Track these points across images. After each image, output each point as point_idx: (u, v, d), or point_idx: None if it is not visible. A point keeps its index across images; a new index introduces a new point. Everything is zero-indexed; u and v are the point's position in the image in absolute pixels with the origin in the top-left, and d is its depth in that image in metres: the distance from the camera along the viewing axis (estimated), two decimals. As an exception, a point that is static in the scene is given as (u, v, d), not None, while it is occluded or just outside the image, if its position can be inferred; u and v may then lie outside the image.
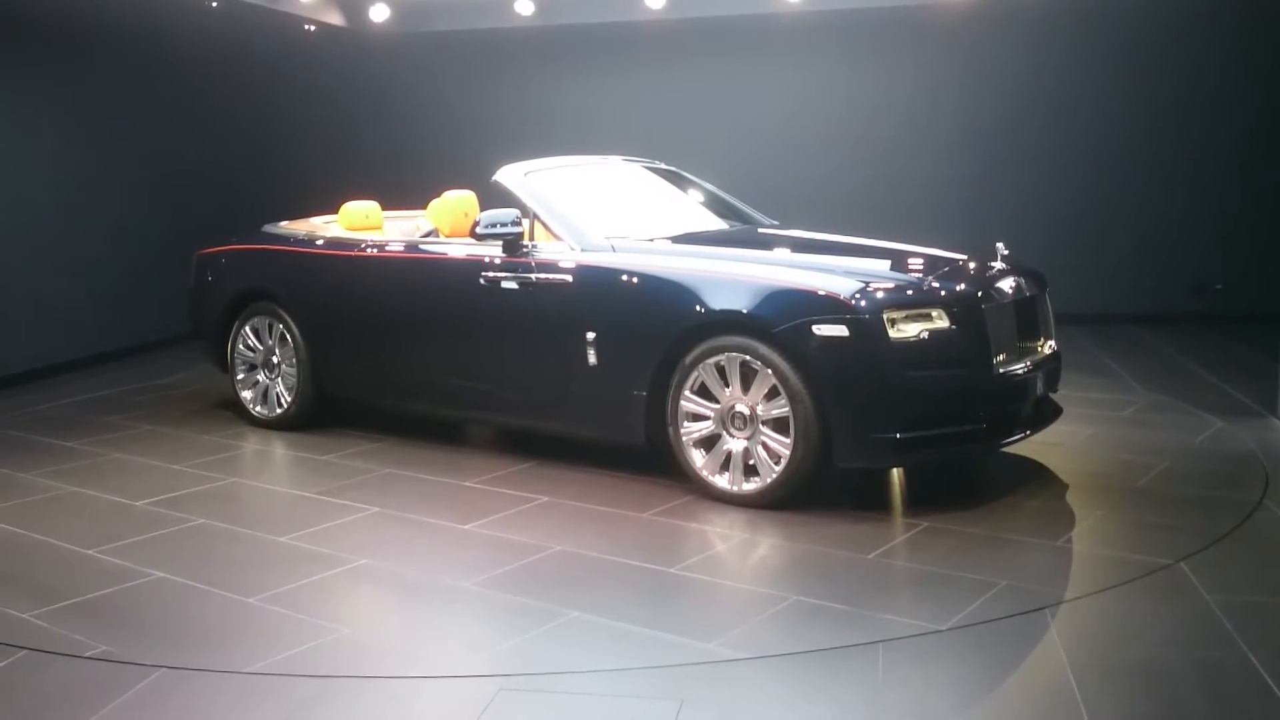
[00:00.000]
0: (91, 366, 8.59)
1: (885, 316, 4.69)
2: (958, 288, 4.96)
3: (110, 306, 8.93)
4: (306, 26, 9.64)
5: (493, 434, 6.39)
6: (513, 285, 5.60)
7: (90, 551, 4.60)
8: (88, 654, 3.64)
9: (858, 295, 4.74)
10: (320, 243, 6.62)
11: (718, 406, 4.99)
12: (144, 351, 9.12)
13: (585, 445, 5.65)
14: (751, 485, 4.92)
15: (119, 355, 8.92)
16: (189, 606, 4.05)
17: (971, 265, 5.30)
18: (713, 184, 6.77)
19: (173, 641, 3.75)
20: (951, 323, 4.78)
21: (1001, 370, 4.91)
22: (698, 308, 5.02)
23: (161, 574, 4.33)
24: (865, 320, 4.68)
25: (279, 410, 6.61)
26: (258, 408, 6.71)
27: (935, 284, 4.96)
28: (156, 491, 5.40)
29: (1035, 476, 5.34)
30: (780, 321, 4.79)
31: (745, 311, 4.88)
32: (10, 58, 8.01)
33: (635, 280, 5.24)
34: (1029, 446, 5.45)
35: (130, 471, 5.80)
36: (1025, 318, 5.23)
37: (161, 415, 7.04)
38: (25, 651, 3.67)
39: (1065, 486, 5.20)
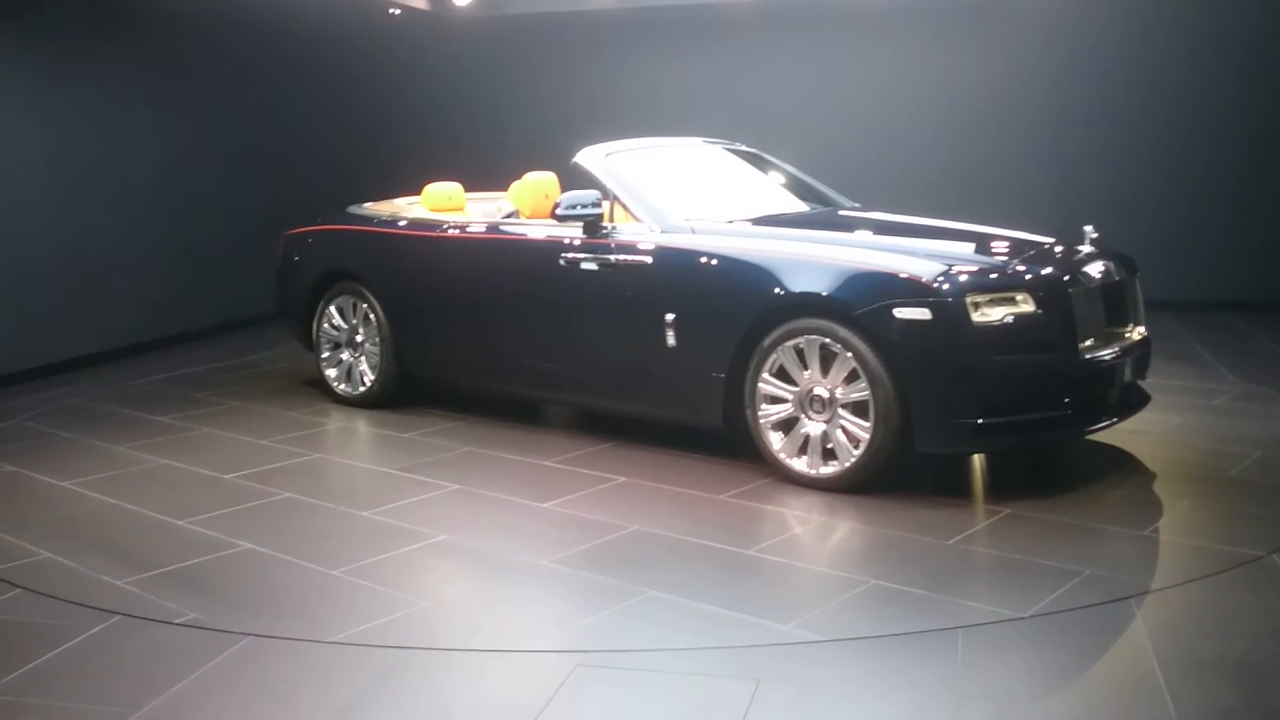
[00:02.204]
0: (182, 344, 8.82)
1: (968, 300, 4.62)
2: (1044, 271, 4.87)
3: (201, 286, 9.15)
4: (391, 10, 9.75)
5: (570, 414, 6.43)
6: (592, 266, 5.62)
7: (181, 522, 4.73)
8: (178, 621, 3.75)
9: (940, 278, 4.67)
10: (403, 223, 6.70)
11: (796, 389, 4.96)
12: (232, 330, 9.34)
13: (662, 426, 5.66)
14: (830, 469, 4.89)
15: (209, 333, 9.15)
16: (274, 577, 4.15)
17: (1059, 248, 5.20)
18: (793, 166, 6.72)
19: (259, 610, 3.84)
20: (1037, 306, 4.69)
21: (1088, 356, 4.82)
22: (777, 290, 4.99)
23: (248, 545, 4.44)
24: (948, 303, 4.61)
25: (362, 388, 6.72)
26: (341, 385, 6.83)
27: (1020, 267, 4.88)
28: (244, 466, 5.53)
29: (1121, 465, 5.23)
30: (861, 304, 4.75)
31: (825, 294, 4.84)
32: (109, 43, 8.23)
33: (715, 262, 5.23)
34: (1115, 434, 5.33)
35: (219, 446, 5.94)
36: (1114, 302, 5.12)
37: (249, 392, 7.20)
38: (119, 617, 3.79)
39: (1152, 475, 5.08)
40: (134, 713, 3.14)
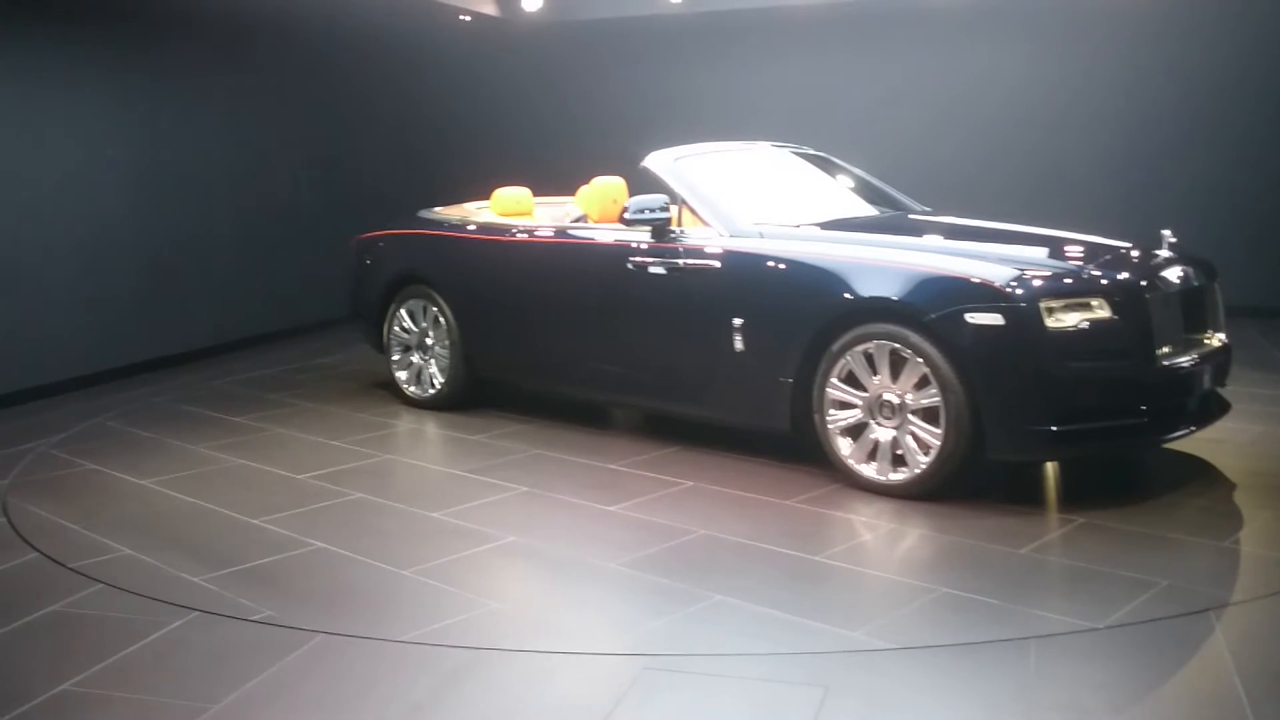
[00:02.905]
0: (257, 346, 8.99)
1: (1042, 305, 4.55)
2: (1120, 276, 4.79)
3: (275, 289, 9.32)
4: (462, 17, 9.86)
5: (637, 417, 6.44)
6: (660, 270, 5.63)
7: (256, 521, 4.82)
8: (253, 618, 3.82)
9: (1013, 283, 4.61)
10: (472, 228, 6.77)
11: (866, 395, 4.92)
12: (306, 333, 9.49)
13: (729, 431, 5.65)
14: (899, 475, 4.85)
15: (283, 336, 9.32)
16: (347, 576, 4.21)
17: (1135, 253, 5.11)
18: (863, 169, 6.68)
19: (332, 609, 3.90)
20: (1113, 312, 4.61)
21: (1166, 363, 4.72)
22: (846, 294, 4.96)
23: (321, 544, 4.51)
24: (1021, 309, 4.55)
25: (431, 390, 6.79)
26: (411, 388, 6.91)
27: (1096, 272, 4.80)
28: (317, 466, 5.61)
29: (1200, 474, 5.12)
30: (932, 309, 4.70)
31: (895, 299, 4.81)
32: (185, 51, 8.42)
33: (783, 266, 5.21)
34: (1194, 443, 5.22)
35: (292, 446, 6.04)
36: (1192, 308, 5.02)
37: (321, 394, 7.32)
38: (197, 613, 3.87)
39: (1232, 485, 4.97)
40: (211, 707, 3.20)
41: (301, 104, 9.62)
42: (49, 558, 4.43)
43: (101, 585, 4.14)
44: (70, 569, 4.30)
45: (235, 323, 8.95)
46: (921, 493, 4.79)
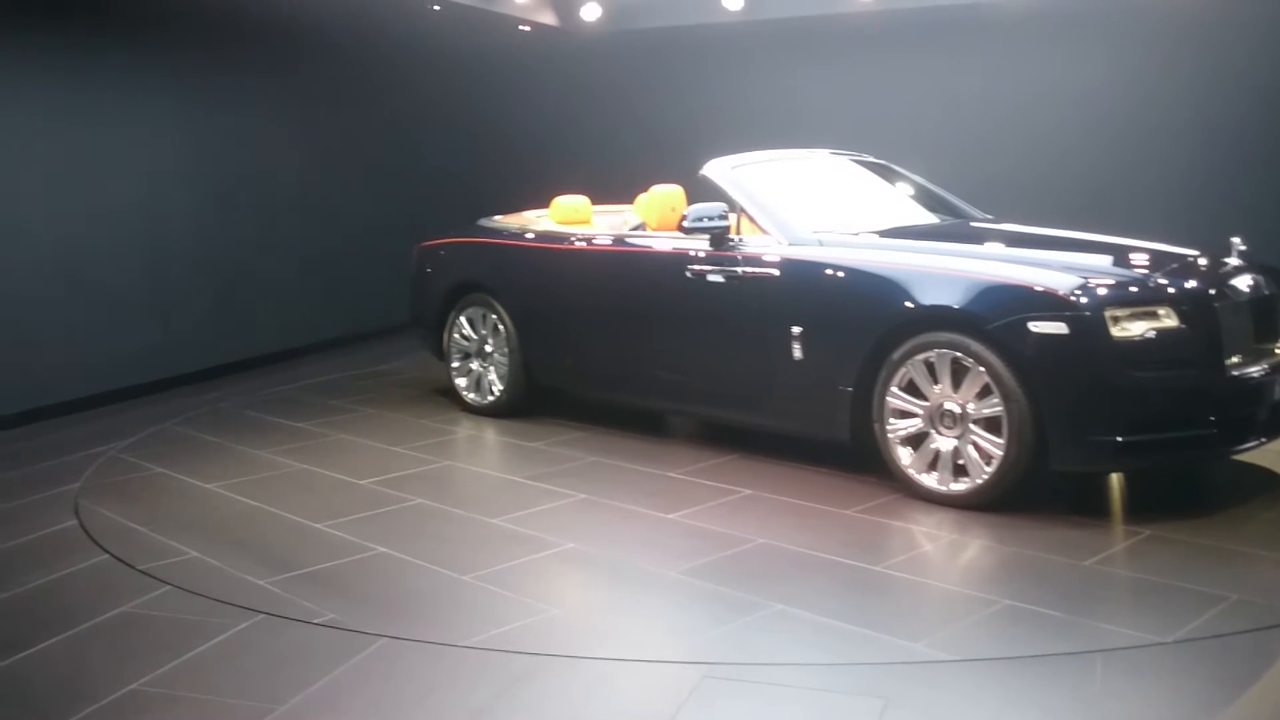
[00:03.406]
0: (319, 352, 9.11)
1: (1107, 314, 4.49)
2: (1187, 284, 4.71)
3: (337, 297, 9.45)
4: (522, 27, 9.93)
5: (695, 425, 6.44)
6: (718, 279, 5.63)
7: (319, 525, 4.88)
8: (317, 621, 3.87)
9: (1077, 291, 4.55)
10: (531, 236, 6.81)
11: (926, 404, 4.88)
12: (367, 339, 9.61)
13: (787, 439, 5.63)
14: (960, 485, 4.80)
15: (344, 342, 9.44)
16: (408, 581, 4.25)
17: (1203, 261, 5.02)
18: (923, 177, 6.63)
19: (394, 613, 3.95)
20: (1180, 321, 4.54)
21: (1235, 372, 4.63)
22: (907, 303, 4.92)
23: (383, 549, 4.56)
24: (1085, 317, 4.49)
25: (490, 398, 6.84)
26: (471, 395, 6.96)
27: (1162, 280, 4.72)
28: (377, 471, 5.68)
29: (1270, 486, 5.02)
30: (994, 318, 4.66)
31: (957, 307, 4.76)
32: (246, 62, 8.57)
33: (843, 274, 5.19)
34: (1265, 454, 5.10)
35: (354, 452, 6.12)
36: (1263, 317, 4.91)
37: (382, 400, 7.40)
38: (262, 616, 3.93)
39: (1305, 498, 4.87)
40: (277, 708, 3.25)
41: (363, 113, 9.75)
42: (119, 559, 4.53)
43: (169, 587, 4.22)
44: (139, 571, 4.39)
45: (298, 329, 9.08)
46: (983, 503, 4.74)
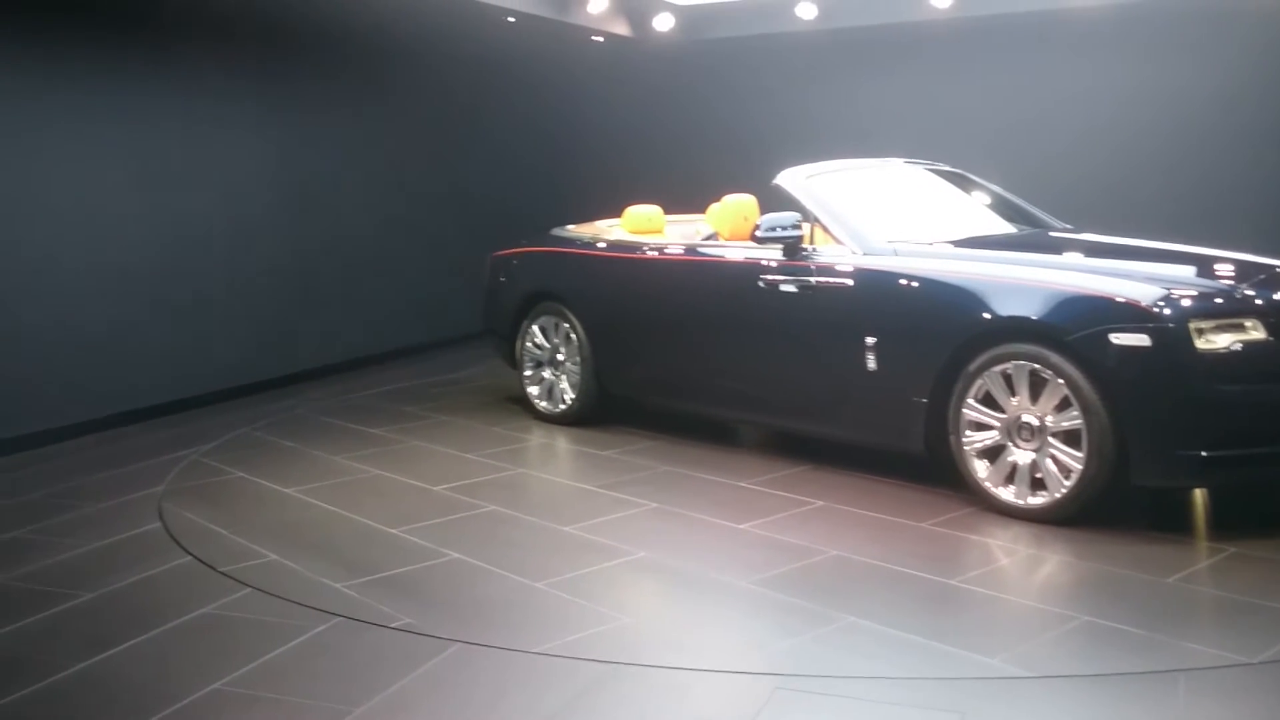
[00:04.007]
0: (394, 360, 9.24)
1: (1191, 325, 4.40)
2: (1275, 296, 4.59)
3: (411, 305, 9.59)
4: (595, 38, 10.00)
5: (766, 436, 6.42)
6: (791, 288, 5.61)
7: (394, 531, 4.95)
8: (393, 625, 3.92)
9: (1160, 303, 4.47)
10: (603, 245, 6.85)
11: (1003, 416, 4.82)
12: (441, 347, 9.73)
13: (860, 450, 5.59)
14: (1038, 499, 4.73)
15: (418, 350, 9.56)
16: (481, 587, 4.29)
17: (1292, 272, 4.89)
18: (999, 186, 6.55)
19: (467, 618, 3.98)
20: (1268, 334, 4.43)
21: (1325, 387, 4.51)
22: (984, 314, 4.87)
23: (457, 555, 4.61)
24: (1169, 329, 4.41)
25: (562, 406, 6.88)
26: (543, 403, 7.01)
27: (1249, 291, 4.62)
28: (451, 478, 5.74)
29: (1362, 504, 4.88)
30: (1074, 329, 4.58)
31: (1035, 318, 4.70)
32: (324, 74, 8.74)
33: (918, 284, 5.14)
34: (1355, 471, 4.96)
35: (427, 458, 6.19)
36: (1355, 330, 4.77)
37: (455, 407, 7.48)
38: (339, 619, 3.99)
39: (1398, 517, 4.72)
40: (353, 710, 3.30)
41: (439, 124, 9.89)
42: (201, 561, 4.63)
43: (250, 589, 4.30)
44: (220, 573, 4.48)
45: (373, 337, 9.22)
46: (1061, 518, 4.67)
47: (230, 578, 4.42)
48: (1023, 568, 4.41)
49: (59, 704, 3.45)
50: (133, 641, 3.86)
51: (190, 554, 4.72)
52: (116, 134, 7.18)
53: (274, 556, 4.65)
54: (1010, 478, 4.82)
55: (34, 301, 6.66)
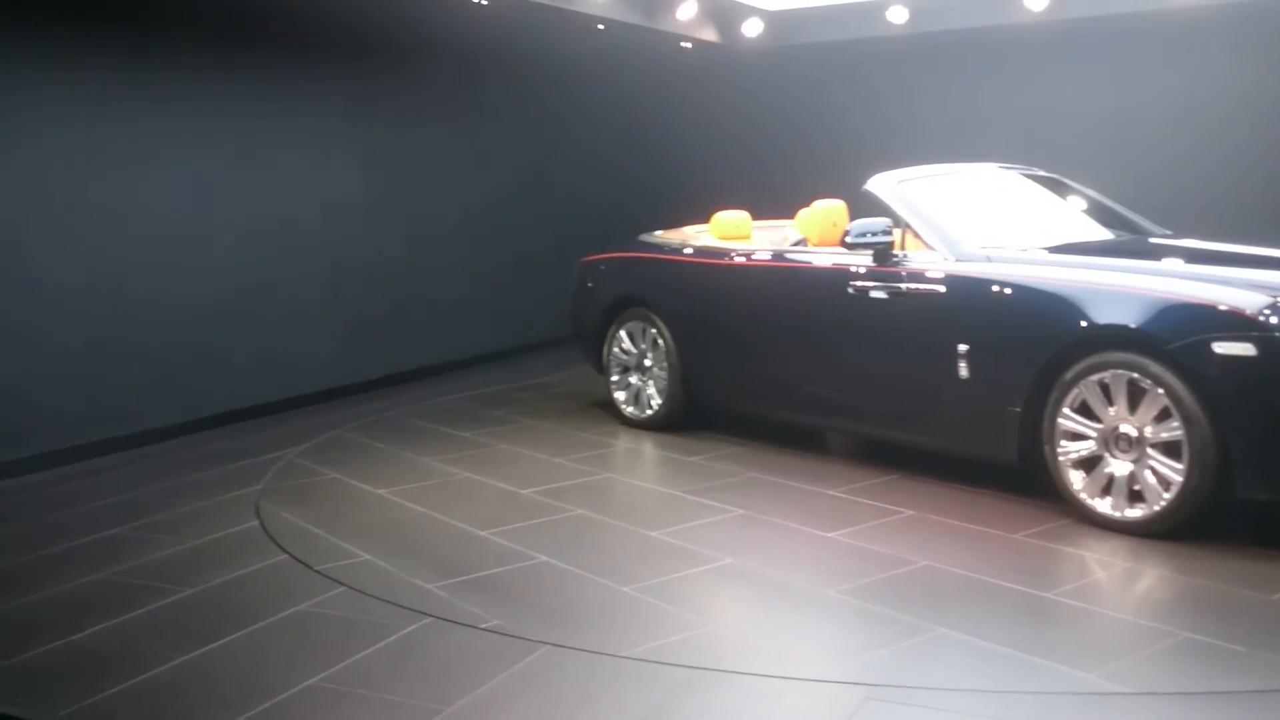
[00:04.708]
0: (483, 364, 9.35)
1: (1299, 334, 4.26)
2: (1389, 304, 4.43)
3: (500, 310, 9.69)
4: (683, 44, 10.01)
5: (854, 443, 6.36)
6: (881, 295, 5.56)
7: (483, 533, 5.00)
8: (482, 626, 3.96)
9: (1266, 311, 4.33)
10: (690, 251, 6.85)
11: (1100, 426, 4.71)
12: (529, 352, 9.82)
13: (951, 459, 5.51)
14: (1136, 512, 4.61)
15: (507, 355, 9.67)
16: (569, 590, 4.32)
17: (1407, 280, 4.71)
18: (1097, 191, 6.41)
19: (556, 621, 4.01)
20: (1381, 343, 4.27)
21: None
22: (1081, 321, 4.76)
23: (545, 558, 4.64)
24: (1275, 339, 4.27)
25: (649, 411, 6.90)
26: (629, 408, 7.04)
27: (1361, 300, 4.45)
28: (539, 481, 5.79)
29: None
30: (1175, 338, 4.46)
31: (1134, 326, 4.58)
32: (414, 86, 8.89)
33: (1012, 291, 5.05)
34: None
35: (515, 462, 6.25)
36: None
37: (542, 411, 7.54)
38: (430, 619, 4.05)
39: None
40: (445, 709, 3.34)
41: (529, 131, 9.99)
42: (297, 559, 4.73)
43: (344, 588, 4.38)
44: (316, 571, 4.57)
45: (462, 342, 9.35)
46: (1161, 531, 4.55)
47: (325, 576, 4.51)
48: (1120, 582, 4.31)
49: (160, 696, 3.55)
50: (230, 637, 3.96)
51: (286, 552, 4.83)
52: (220, 146, 7.38)
53: (366, 556, 4.73)
54: (1107, 489, 4.71)
55: (138, 306, 6.88)
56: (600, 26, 8.86)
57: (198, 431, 7.16)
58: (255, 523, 5.27)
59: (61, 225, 6.47)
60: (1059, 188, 6.35)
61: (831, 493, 5.43)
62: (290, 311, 7.88)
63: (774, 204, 7.64)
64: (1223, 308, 4.43)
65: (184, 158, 7.15)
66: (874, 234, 5.51)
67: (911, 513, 5.06)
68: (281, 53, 7.76)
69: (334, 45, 8.12)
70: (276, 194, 7.78)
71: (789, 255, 6.33)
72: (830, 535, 4.81)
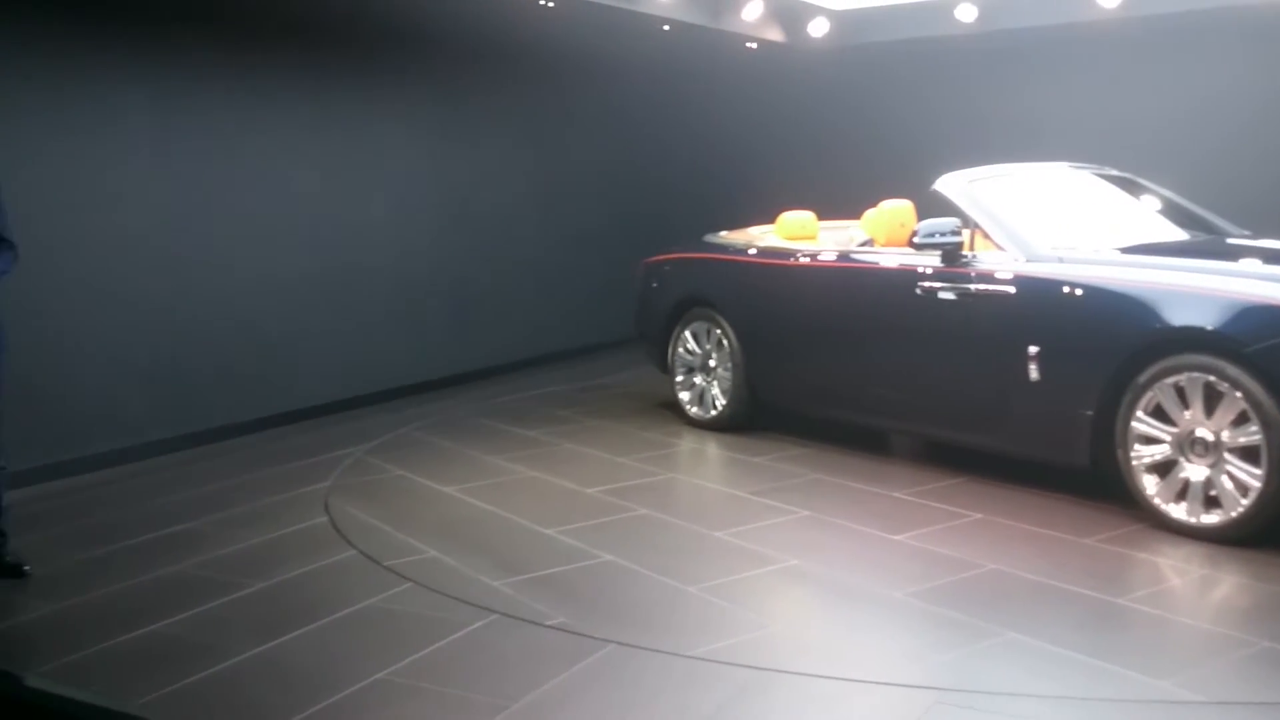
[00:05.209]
0: (548, 364, 9.40)
1: (1384, 337, 4.15)
2: None
3: (565, 311, 9.74)
4: (749, 45, 9.99)
5: (919, 446, 6.30)
6: (950, 296, 5.50)
7: (548, 531, 5.03)
8: (548, 623, 3.99)
9: (1350, 313, 4.23)
10: (755, 252, 6.83)
11: (1175, 430, 4.63)
12: (593, 352, 9.85)
13: (1019, 463, 5.44)
14: (1212, 517, 4.52)
15: (571, 355, 9.71)
16: (635, 589, 4.33)
17: None
18: (1172, 191, 6.29)
19: (621, 619, 4.02)
20: None
21: None
22: (1155, 323, 4.68)
23: (610, 556, 4.66)
24: (1359, 341, 4.17)
25: (713, 412, 6.89)
26: (693, 409, 7.03)
27: None
28: (603, 481, 5.81)
29: None
30: (1253, 340, 4.37)
31: (1211, 328, 4.49)
32: (482, 89, 8.96)
33: (1085, 293, 4.97)
34: None
35: (580, 461, 6.28)
36: None
37: (607, 411, 7.57)
38: (496, 616, 4.08)
39: None
40: (510, 705, 3.37)
41: (591, 133, 10.03)
42: (365, 555, 4.79)
43: (411, 584, 4.43)
44: (384, 567, 4.63)
45: (527, 342, 9.40)
46: (1238, 537, 4.45)
47: (393, 572, 4.56)
48: (1196, 588, 4.22)
49: (237, 685, 3.62)
50: (303, 630, 4.02)
51: (355, 548, 4.90)
52: (293, 146, 7.51)
53: (434, 553, 4.78)
54: (1182, 494, 4.62)
55: (214, 305, 7.01)
56: (665, 27, 8.87)
57: (268, 429, 7.27)
58: (324, 519, 5.35)
59: (138, 226, 6.62)
60: (1133, 187, 6.24)
61: (897, 495, 5.38)
62: (358, 311, 7.98)
63: (840, 204, 7.58)
64: (1304, 310, 4.33)
65: (257, 159, 7.28)
66: (943, 234, 5.46)
67: (979, 516, 5.00)
68: (353, 55, 7.86)
69: (403, 47, 8.21)
70: (346, 194, 7.89)
71: (855, 256, 6.29)
72: (897, 538, 4.77)
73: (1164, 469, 4.69)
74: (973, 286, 5.39)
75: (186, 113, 6.85)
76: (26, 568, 4.66)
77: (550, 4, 7.93)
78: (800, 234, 6.95)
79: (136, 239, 6.61)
